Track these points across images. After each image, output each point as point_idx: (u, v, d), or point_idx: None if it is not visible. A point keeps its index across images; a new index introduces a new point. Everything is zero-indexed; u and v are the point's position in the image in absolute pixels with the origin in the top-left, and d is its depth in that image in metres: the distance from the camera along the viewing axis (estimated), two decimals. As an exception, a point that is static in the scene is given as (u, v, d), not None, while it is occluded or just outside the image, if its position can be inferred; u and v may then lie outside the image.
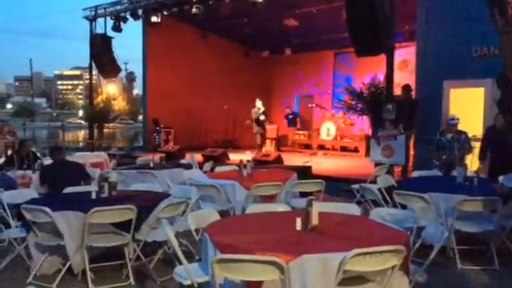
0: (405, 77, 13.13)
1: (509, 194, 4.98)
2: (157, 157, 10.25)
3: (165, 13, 15.13)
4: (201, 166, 9.57)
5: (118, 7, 16.10)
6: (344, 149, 15.58)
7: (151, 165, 8.64)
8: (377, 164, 9.09)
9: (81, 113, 67.80)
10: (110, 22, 16.13)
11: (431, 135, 7.69)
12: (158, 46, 16.66)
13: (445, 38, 9.69)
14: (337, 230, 3.48)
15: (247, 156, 11.51)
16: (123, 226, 4.49)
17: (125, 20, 15.83)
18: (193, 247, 4.79)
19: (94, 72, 17.72)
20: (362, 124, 14.83)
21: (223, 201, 5.98)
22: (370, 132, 11.56)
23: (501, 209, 4.89)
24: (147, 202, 4.85)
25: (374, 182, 7.03)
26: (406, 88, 10.30)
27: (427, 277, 3.49)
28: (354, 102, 13.45)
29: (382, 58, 9.71)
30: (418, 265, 3.53)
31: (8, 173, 7.04)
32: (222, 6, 13.59)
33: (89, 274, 4.42)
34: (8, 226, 5.25)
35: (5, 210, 5.23)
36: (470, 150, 7.44)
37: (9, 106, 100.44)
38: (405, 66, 15.04)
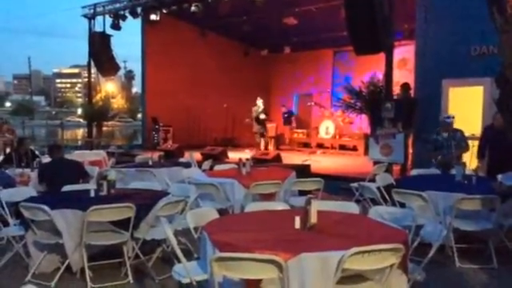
0: (404, 75, 13.13)
1: (507, 193, 4.98)
2: (156, 155, 10.25)
3: (164, 11, 15.12)
4: (200, 164, 9.57)
5: (117, 5, 16.08)
6: (343, 147, 15.59)
7: (150, 163, 8.65)
8: (375, 162, 9.09)
9: (79, 111, 67.81)
10: (109, 20, 16.13)
11: (429, 134, 7.67)
12: (157, 44, 16.64)
13: (444, 37, 9.69)
14: (335, 229, 3.48)
15: (246, 154, 11.50)
16: (122, 225, 4.49)
17: (124, 18, 15.80)
18: (192, 245, 4.79)
19: (93, 70, 17.68)
20: (361, 122, 14.84)
21: (222, 199, 5.98)
22: (368, 130, 11.56)
23: (499, 207, 4.90)
24: (146, 201, 4.85)
25: (372, 180, 7.03)
26: (405, 86, 10.31)
27: (426, 275, 3.49)
28: (352, 101, 13.45)
29: (381, 56, 9.71)
30: (416, 263, 3.54)
31: (7, 171, 7.03)
32: (221, 4, 13.59)
33: (87, 272, 4.42)
34: (6, 224, 5.23)
35: (3, 208, 5.22)
36: (466, 148, 7.43)
37: (7, 104, 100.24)
38: (404, 64, 15.04)
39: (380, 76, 12.14)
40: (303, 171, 9.25)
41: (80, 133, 32.90)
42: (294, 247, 2.95)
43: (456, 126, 7.47)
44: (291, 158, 12.80)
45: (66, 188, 5.67)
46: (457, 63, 9.49)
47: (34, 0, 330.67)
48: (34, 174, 6.93)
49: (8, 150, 11.31)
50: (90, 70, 17.90)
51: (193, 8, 13.95)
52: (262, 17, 14.39)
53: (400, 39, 13.08)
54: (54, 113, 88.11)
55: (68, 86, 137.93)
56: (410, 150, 10.03)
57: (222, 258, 2.81)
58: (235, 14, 14.43)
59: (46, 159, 7.55)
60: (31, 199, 4.94)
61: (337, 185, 8.44)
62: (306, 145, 16.71)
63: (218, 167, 8.27)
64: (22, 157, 8.05)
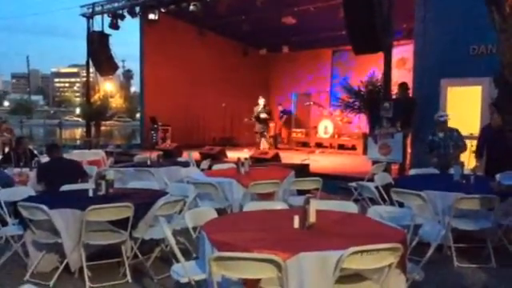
0: (402, 75, 13.12)
1: (505, 192, 4.99)
2: (154, 155, 10.25)
3: (162, 10, 15.08)
4: (198, 163, 9.56)
5: (116, 4, 16.05)
6: (341, 147, 15.59)
7: (149, 163, 8.65)
8: (374, 162, 9.09)
9: (78, 110, 67.53)
10: (108, 20, 16.08)
11: (427, 134, 7.66)
12: (155, 43, 16.62)
13: (443, 37, 9.70)
14: (334, 228, 3.48)
15: (245, 154, 11.50)
16: (120, 224, 4.49)
17: (122, 17, 15.77)
18: (190, 245, 4.79)
19: (92, 69, 17.64)
20: (360, 122, 14.85)
21: (221, 199, 5.98)
22: (367, 130, 11.57)
23: (498, 207, 4.91)
24: (144, 200, 4.85)
25: (371, 179, 7.04)
26: (403, 86, 10.31)
27: (424, 275, 3.49)
28: (351, 100, 13.47)
29: (380, 56, 9.72)
30: (415, 263, 3.54)
31: (5, 170, 7.02)
32: (220, 3, 13.57)
33: (86, 271, 4.42)
34: (5, 223, 5.23)
35: (2, 208, 5.22)
36: (464, 147, 7.41)
37: (6, 103, 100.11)
38: (403, 63, 15.05)
39: (379, 75, 12.15)
40: (302, 171, 9.24)
41: (78, 132, 32.86)
42: (292, 247, 2.95)
43: (454, 125, 7.47)
44: (290, 157, 12.80)
45: (65, 187, 5.66)
46: (455, 63, 9.49)
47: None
48: (32, 174, 6.92)
49: (6, 150, 11.29)
50: (88, 69, 17.87)
51: (191, 7, 13.93)
52: (260, 16, 14.38)
53: (399, 39, 13.08)
54: (52, 112, 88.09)
55: (66, 85, 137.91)
56: (409, 150, 10.04)
57: (220, 258, 2.80)
58: (234, 14, 14.42)
59: (45, 159, 7.54)
60: (30, 199, 4.93)
61: (335, 184, 8.45)
62: (305, 144, 16.71)
63: (216, 167, 8.27)
64: (21, 156, 8.03)
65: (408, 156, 9.94)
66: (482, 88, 9.13)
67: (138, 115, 47.18)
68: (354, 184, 7.22)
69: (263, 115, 14.62)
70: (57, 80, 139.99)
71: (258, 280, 2.88)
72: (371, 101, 11.48)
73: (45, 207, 4.34)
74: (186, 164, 8.80)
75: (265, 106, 14.78)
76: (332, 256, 2.81)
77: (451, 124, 7.45)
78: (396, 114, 9.29)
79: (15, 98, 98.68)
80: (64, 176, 6.10)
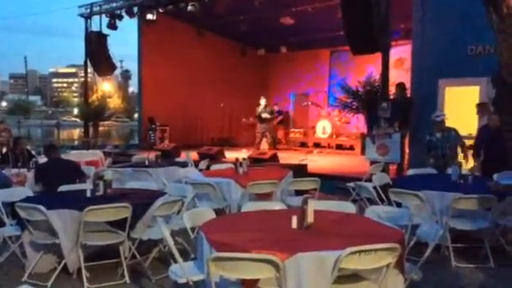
0: (400, 75, 13.13)
1: (503, 192, 5.00)
2: (152, 155, 10.24)
3: (160, 10, 15.06)
4: (196, 164, 9.56)
5: (114, 5, 16.02)
6: (339, 147, 15.59)
7: (147, 163, 8.64)
8: (372, 162, 9.10)
9: (76, 111, 67.54)
10: (106, 20, 16.06)
11: (425, 134, 7.66)
12: (153, 43, 16.61)
13: (440, 37, 9.71)
14: (332, 228, 3.49)
15: (243, 154, 11.50)
16: (118, 225, 4.48)
17: (120, 18, 15.75)
18: (188, 245, 4.78)
19: (90, 70, 17.60)
20: (358, 122, 14.85)
21: (219, 199, 5.98)
22: (365, 130, 11.57)
23: (495, 207, 4.91)
24: (143, 201, 4.84)
25: (369, 180, 7.05)
26: (401, 86, 10.32)
27: (422, 275, 3.50)
28: (349, 100, 13.47)
29: (378, 56, 9.72)
30: (412, 263, 3.55)
31: (3, 171, 7.00)
32: (218, 3, 13.56)
33: (84, 272, 4.42)
34: (3, 224, 5.22)
35: (-1, 209, 5.21)
36: (464, 144, 7.42)
37: (3, 103, 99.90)
38: (400, 64, 15.06)
39: (377, 76, 12.15)
40: (300, 171, 9.24)
41: (76, 133, 32.78)
42: (290, 247, 2.95)
43: (452, 125, 7.47)
44: (288, 157, 12.80)
45: (63, 188, 5.66)
46: (453, 63, 9.50)
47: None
48: (30, 174, 6.91)
49: (4, 150, 11.26)
50: (86, 69, 17.83)
51: (189, 7, 13.92)
52: (258, 16, 14.37)
53: (397, 39, 13.10)
54: (50, 112, 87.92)
55: (64, 85, 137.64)
56: (407, 150, 10.05)
57: (218, 258, 2.81)
58: (232, 14, 14.42)
59: (43, 159, 7.53)
60: (27, 199, 4.93)
61: (333, 184, 8.45)
62: (303, 144, 16.71)
63: (214, 167, 8.27)
64: (19, 157, 8.02)
65: (406, 156, 9.95)
66: (479, 88, 9.14)
67: (136, 115, 47.19)
68: (352, 184, 7.23)
69: (265, 115, 14.61)
70: (55, 80, 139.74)
71: (257, 280, 2.87)
72: (369, 101, 11.48)
73: (42, 208, 4.34)
74: (184, 164, 8.80)
75: (266, 105, 14.76)
76: (330, 256, 2.82)
77: (449, 124, 7.45)
78: (394, 114, 9.30)
79: (13, 99, 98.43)
80: (62, 176, 6.10)
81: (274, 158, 11.36)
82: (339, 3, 9.69)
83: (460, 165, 6.53)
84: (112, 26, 15.87)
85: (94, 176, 6.59)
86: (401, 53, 14.56)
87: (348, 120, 15.63)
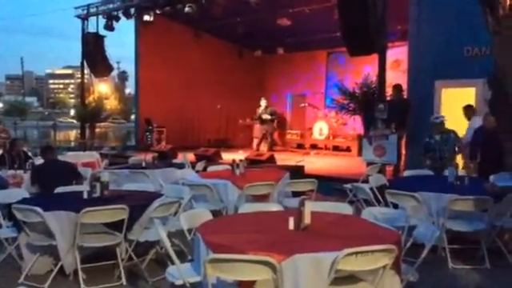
0: (397, 76, 13.15)
1: (499, 194, 5.02)
2: (149, 156, 10.22)
3: (157, 12, 15.05)
4: (193, 165, 9.55)
5: (111, 6, 16.01)
6: (336, 148, 15.60)
7: (143, 164, 8.62)
8: (369, 163, 9.11)
9: (72, 112, 67.33)
10: (103, 21, 16.05)
11: (422, 135, 7.67)
12: (150, 45, 16.59)
13: (437, 38, 9.74)
14: (329, 230, 3.49)
15: (240, 155, 11.50)
16: (115, 226, 4.48)
17: (117, 19, 15.73)
18: (185, 247, 4.78)
19: (86, 71, 17.60)
20: (355, 123, 14.86)
21: (216, 200, 5.98)
22: (362, 131, 11.59)
23: (491, 208, 4.93)
24: (139, 202, 4.84)
25: (366, 181, 7.05)
26: (397, 87, 10.34)
27: (418, 276, 3.50)
28: (346, 102, 13.48)
29: (375, 57, 9.74)
30: (409, 264, 3.55)
31: (-1, 172, 7.00)
32: (215, 5, 13.56)
33: (80, 274, 4.40)
34: (-1, 225, 5.21)
35: (-4, 210, 5.20)
36: (461, 150, 7.43)
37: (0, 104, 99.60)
38: (397, 65, 15.07)
39: (373, 77, 12.17)
40: (297, 172, 9.25)
41: (73, 134, 32.72)
42: (287, 248, 2.96)
43: (449, 126, 7.47)
44: (285, 158, 12.81)
45: (59, 190, 5.64)
46: (450, 64, 9.53)
47: (26, 0, 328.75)
48: (26, 176, 6.90)
49: (1, 152, 11.23)
50: (83, 70, 17.82)
51: (186, 9, 13.91)
52: (255, 18, 14.38)
53: (393, 40, 13.11)
54: (46, 114, 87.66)
55: (61, 86, 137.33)
56: (403, 151, 10.07)
57: (215, 260, 2.81)
58: (229, 15, 14.42)
59: (39, 161, 7.52)
60: (24, 201, 4.92)
61: (330, 186, 8.46)
62: (300, 146, 16.72)
63: (211, 168, 8.27)
64: (15, 158, 8.00)
65: (402, 157, 9.97)
66: (476, 89, 9.17)
67: (132, 117, 47.08)
68: (348, 185, 7.24)
69: (265, 116, 14.59)
70: (51, 81, 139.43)
71: (253, 282, 2.88)
72: (366, 102, 11.50)
73: (39, 209, 4.33)
74: (181, 166, 8.79)
75: (267, 107, 14.74)
76: (327, 257, 2.82)
77: (446, 125, 7.45)
78: (390, 115, 9.32)
79: (9, 100, 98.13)
80: (58, 178, 6.08)
81: (271, 159, 11.36)
82: (336, 4, 9.72)
83: (457, 166, 6.53)
84: (109, 27, 15.87)
85: (91, 177, 6.57)
86: (397, 54, 14.58)
87: (345, 121, 15.65)
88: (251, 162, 10.33)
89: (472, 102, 8.86)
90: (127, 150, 17.23)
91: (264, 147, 14.81)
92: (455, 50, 9.53)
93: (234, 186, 6.11)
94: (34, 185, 6.35)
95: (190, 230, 3.91)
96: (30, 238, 4.59)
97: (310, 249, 2.96)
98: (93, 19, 16.65)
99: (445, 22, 9.62)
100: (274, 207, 4.53)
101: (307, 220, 3.36)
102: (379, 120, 9.38)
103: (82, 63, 17.30)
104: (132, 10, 15.41)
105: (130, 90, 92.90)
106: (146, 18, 15.08)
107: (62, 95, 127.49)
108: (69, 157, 9.57)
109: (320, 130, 16.20)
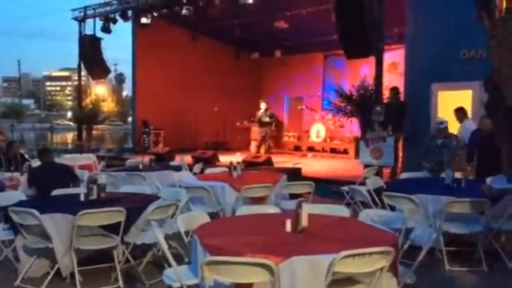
0: (394, 79, 13.20)
1: (496, 196, 5.03)
2: (146, 159, 10.21)
3: (155, 14, 15.05)
4: (191, 167, 9.54)
5: (108, 8, 16.02)
6: (333, 150, 15.63)
7: (141, 167, 8.60)
8: (366, 166, 9.12)
9: (69, 114, 67.27)
10: (100, 23, 16.05)
11: (419, 138, 7.70)
12: (147, 47, 16.60)
13: (433, 41, 9.77)
14: (326, 232, 3.49)
15: (237, 158, 11.49)
16: (112, 229, 4.47)
17: (114, 21, 15.73)
18: (182, 250, 4.77)
19: (83, 73, 17.57)
20: (352, 126, 14.89)
21: (213, 203, 5.98)
22: (359, 134, 11.61)
23: (488, 210, 4.94)
24: (137, 205, 4.83)
25: (363, 183, 7.06)
26: (394, 90, 10.37)
27: (416, 278, 3.51)
28: (343, 104, 13.50)
29: (372, 60, 9.77)
30: (406, 266, 3.56)
31: (-5, 175, 6.97)
32: (212, 7, 13.57)
33: (77, 276, 4.39)
34: (-5, 228, 5.19)
35: (-8, 213, 5.18)
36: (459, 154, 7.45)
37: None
38: (394, 68, 15.11)
39: (370, 80, 12.20)
40: (294, 174, 9.25)
41: (70, 136, 32.62)
42: (284, 251, 2.96)
43: (447, 131, 7.49)
44: (282, 161, 12.82)
45: (56, 192, 5.63)
46: (446, 67, 9.57)
47: (23, 2, 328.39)
48: (23, 178, 6.87)
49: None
50: (80, 72, 17.80)
51: (184, 11, 13.92)
52: (252, 21, 14.41)
53: (390, 43, 13.14)
54: (43, 116, 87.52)
55: (58, 88, 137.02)
56: (400, 154, 10.08)
57: (212, 262, 2.81)
58: (226, 18, 14.45)
59: (36, 163, 7.49)
60: (20, 203, 4.90)
61: (328, 188, 8.46)
62: (297, 148, 16.74)
63: (208, 171, 8.25)
64: (12, 160, 7.96)
65: (399, 160, 9.99)
66: (472, 92, 9.20)
67: (129, 119, 47.08)
68: (345, 188, 7.23)
69: (265, 119, 14.61)
70: (48, 84, 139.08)
71: (251, 284, 2.87)
72: (363, 105, 11.52)
73: (36, 212, 4.32)
74: (178, 168, 8.78)
75: (266, 109, 14.76)
76: (324, 260, 2.82)
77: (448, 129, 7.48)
78: (387, 118, 9.34)
79: (6, 102, 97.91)
80: (55, 180, 6.06)
81: (269, 161, 11.37)
82: (333, 7, 9.74)
83: (454, 169, 6.53)
84: (106, 29, 15.86)
85: (88, 180, 6.54)
86: (394, 57, 14.62)
87: (342, 124, 15.68)
88: (248, 165, 10.34)
89: (469, 105, 8.89)
90: (124, 152, 17.20)
91: (262, 149, 14.81)
92: (452, 53, 9.57)
93: (231, 188, 6.11)
94: (31, 187, 6.32)
95: (187, 233, 3.90)
96: (27, 240, 4.58)
97: (307, 251, 2.97)
98: (90, 21, 16.64)
99: (441, 24, 9.65)
100: (271, 209, 4.53)
101: (304, 222, 3.37)
102: (376, 122, 9.40)
103: (79, 65, 17.28)
104: (129, 13, 15.41)
105: (127, 92, 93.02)
106: (144, 20, 15.07)
107: (58, 97, 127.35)
108: (66, 159, 9.55)
109: (317, 132, 16.23)
